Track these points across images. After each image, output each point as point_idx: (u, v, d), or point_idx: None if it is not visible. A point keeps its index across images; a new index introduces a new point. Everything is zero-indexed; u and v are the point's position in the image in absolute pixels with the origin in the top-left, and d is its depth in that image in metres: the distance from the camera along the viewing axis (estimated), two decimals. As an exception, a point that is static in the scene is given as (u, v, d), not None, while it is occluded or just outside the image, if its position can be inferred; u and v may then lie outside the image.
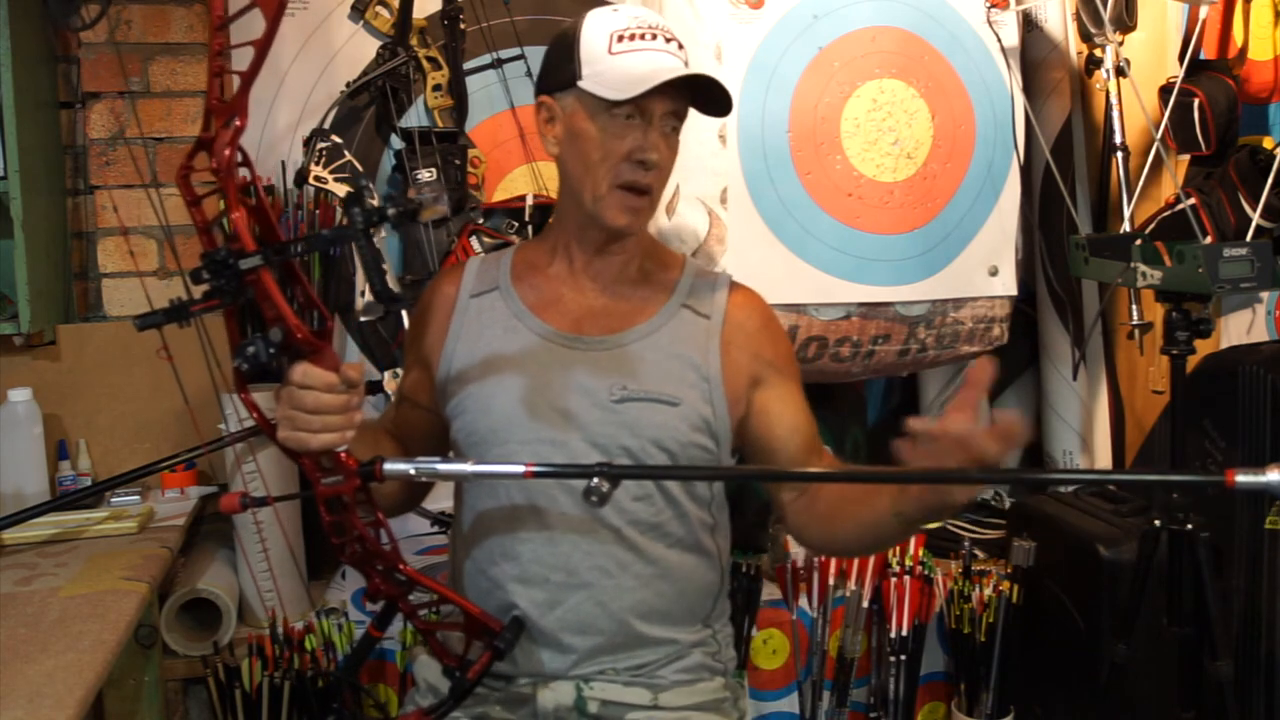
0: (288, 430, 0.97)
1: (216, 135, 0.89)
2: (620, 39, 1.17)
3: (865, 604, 1.77)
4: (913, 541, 1.81)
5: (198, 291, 0.94)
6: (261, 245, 0.89)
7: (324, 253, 1.82)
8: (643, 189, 1.18)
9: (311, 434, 0.96)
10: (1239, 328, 2.22)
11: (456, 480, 1.03)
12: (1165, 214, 1.91)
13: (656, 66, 1.16)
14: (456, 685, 1.05)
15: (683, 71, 1.17)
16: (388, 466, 0.98)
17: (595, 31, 1.19)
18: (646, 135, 1.17)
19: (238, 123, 0.88)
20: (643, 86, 1.14)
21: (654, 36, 1.18)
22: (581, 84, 1.18)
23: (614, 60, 1.16)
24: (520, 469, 0.97)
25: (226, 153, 0.88)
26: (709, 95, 1.21)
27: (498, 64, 2.09)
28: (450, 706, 1.08)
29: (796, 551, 1.81)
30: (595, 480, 0.96)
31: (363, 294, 1.80)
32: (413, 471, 0.98)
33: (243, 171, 0.92)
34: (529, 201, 2.02)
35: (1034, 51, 2.10)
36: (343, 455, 0.99)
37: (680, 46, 1.21)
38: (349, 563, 1.03)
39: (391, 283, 0.93)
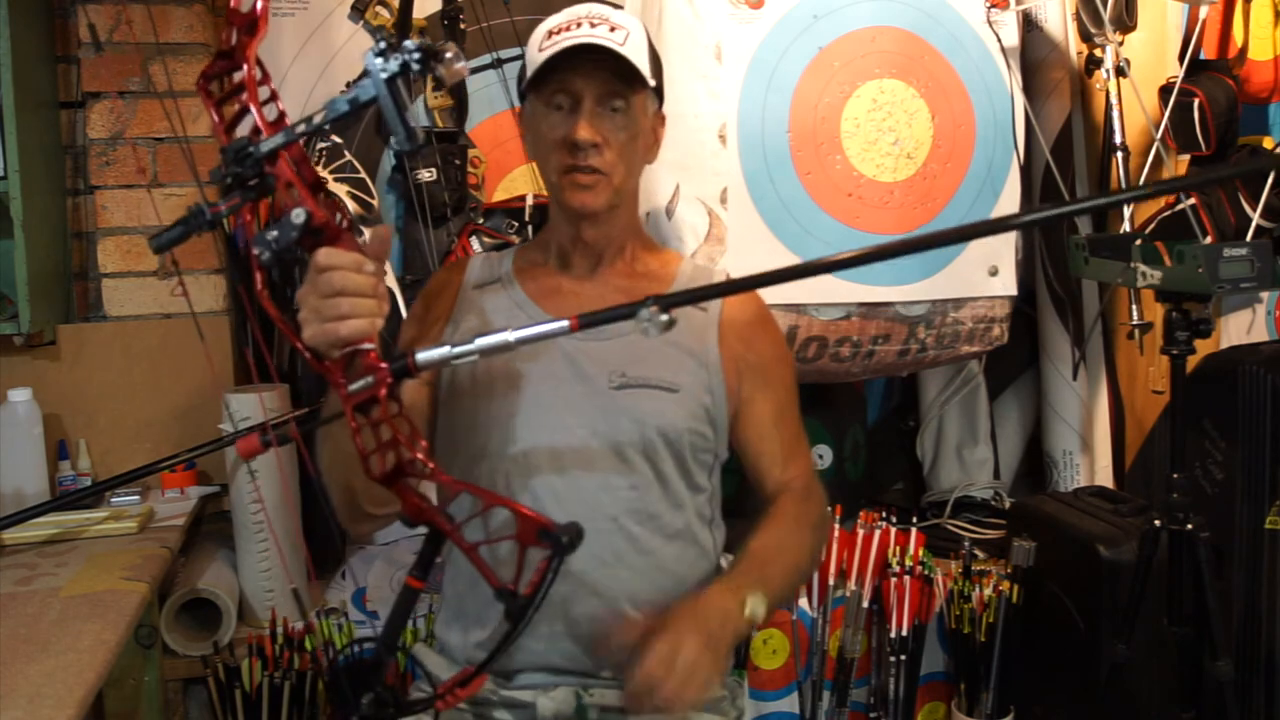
0: (315, 325, 0.90)
1: (237, 43, 0.88)
2: (550, 34, 1.20)
3: (865, 604, 1.77)
4: (913, 541, 1.81)
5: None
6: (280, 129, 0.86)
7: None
8: (585, 170, 1.20)
9: (340, 320, 0.89)
10: (1239, 328, 2.22)
11: (499, 352, 0.91)
12: (1165, 214, 1.91)
13: (563, 48, 1.17)
14: (515, 606, 0.91)
15: (566, 45, 1.16)
16: (421, 356, 0.91)
17: (535, 36, 1.23)
18: (576, 118, 1.19)
19: (260, 26, 0.86)
20: (535, 68, 1.18)
21: (579, 25, 1.19)
22: (524, 87, 1.23)
23: (539, 57, 1.19)
24: (565, 324, 0.91)
25: (246, 56, 0.87)
26: (636, 71, 1.20)
27: (498, 64, 2.10)
28: (511, 632, 0.94)
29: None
30: (651, 308, 0.89)
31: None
32: (450, 354, 0.91)
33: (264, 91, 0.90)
34: (529, 201, 2.02)
35: (1034, 51, 2.10)
36: (373, 355, 0.91)
37: (614, 29, 1.19)
38: (380, 479, 0.92)
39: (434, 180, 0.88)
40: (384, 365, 0.90)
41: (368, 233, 0.99)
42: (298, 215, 0.87)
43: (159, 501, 1.81)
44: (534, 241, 1.37)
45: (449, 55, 0.83)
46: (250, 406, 1.64)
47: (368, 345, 0.91)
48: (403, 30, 2.00)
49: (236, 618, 1.63)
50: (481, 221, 2.03)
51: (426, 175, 1.96)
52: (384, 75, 0.82)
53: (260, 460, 1.65)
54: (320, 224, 0.88)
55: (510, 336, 0.91)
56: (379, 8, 2.09)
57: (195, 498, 1.84)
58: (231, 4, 0.88)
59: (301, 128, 0.86)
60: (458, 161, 1.99)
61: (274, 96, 0.90)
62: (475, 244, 1.99)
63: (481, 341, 0.91)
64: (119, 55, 1.94)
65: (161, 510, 1.76)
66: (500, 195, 2.14)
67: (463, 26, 2.04)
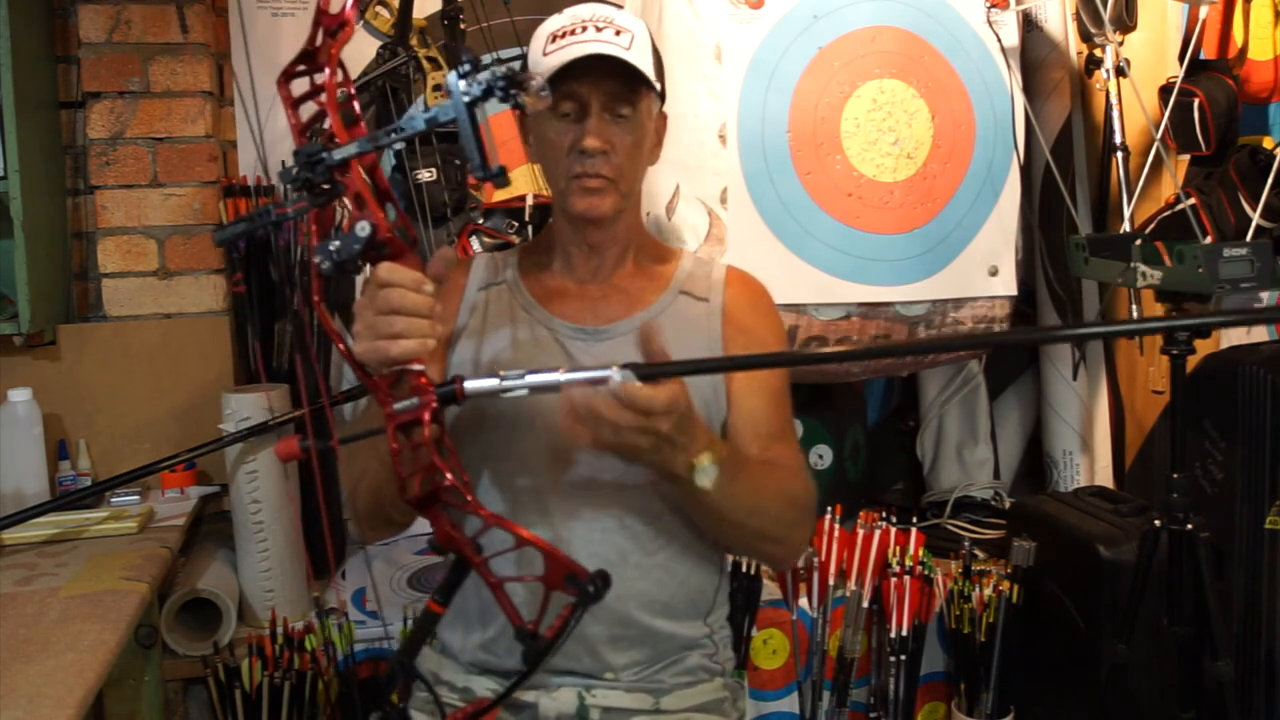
0: (368, 341, 0.91)
1: (322, 44, 0.87)
2: (554, 39, 1.19)
3: (865, 604, 1.77)
4: (913, 541, 1.81)
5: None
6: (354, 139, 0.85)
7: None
8: (593, 176, 1.19)
9: (393, 339, 0.90)
10: (1239, 328, 2.22)
11: (546, 391, 0.92)
12: (1165, 214, 1.91)
13: (574, 58, 1.15)
14: (533, 649, 0.90)
15: (573, 56, 1.15)
16: (469, 385, 0.91)
17: (537, 39, 1.21)
18: (584, 126, 1.18)
19: (347, 28, 0.86)
20: (542, 77, 1.15)
21: (584, 29, 1.18)
22: None
23: (545, 62, 1.17)
24: (613, 372, 0.92)
25: (331, 55, 0.86)
26: (643, 77, 1.19)
27: (498, 64, 2.10)
28: (526, 674, 0.94)
29: (796, 551, 1.81)
30: (624, 369, 0.90)
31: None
32: (499, 386, 0.91)
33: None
34: (529, 201, 2.02)
35: (1034, 51, 2.11)
36: (423, 379, 0.91)
37: (619, 32, 1.18)
38: (412, 503, 0.91)
39: (491, 160, 0.87)
40: (431, 389, 0.90)
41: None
42: (363, 228, 0.86)
43: (159, 501, 1.81)
44: (536, 242, 1.37)
45: (534, 83, 0.82)
46: (250, 406, 1.64)
47: (417, 366, 0.91)
48: (403, 31, 2.01)
49: (236, 618, 1.63)
50: (481, 221, 2.03)
51: (426, 175, 1.96)
52: (466, 99, 0.82)
53: (260, 460, 1.65)
54: (385, 238, 0.87)
55: (561, 377, 0.92)
56: (379, 8, 2.09)
57: (195, 498, 1.84)
58: (321, 3, 0.88)
59: (379, 139, 0.85)
60: (458, 161, 1.99)
61: (353, 99, 0.89)
62: (475, 244, 2.00)
63: (532, 378, 0.92)
64: (119, 55, 1.94)
65: (161, 510, 1.76)
66: (500, 195, 2.14)
67: (463, 26, 2.04)
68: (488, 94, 0.82)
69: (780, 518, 1.18)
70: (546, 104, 0.84)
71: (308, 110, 0.91)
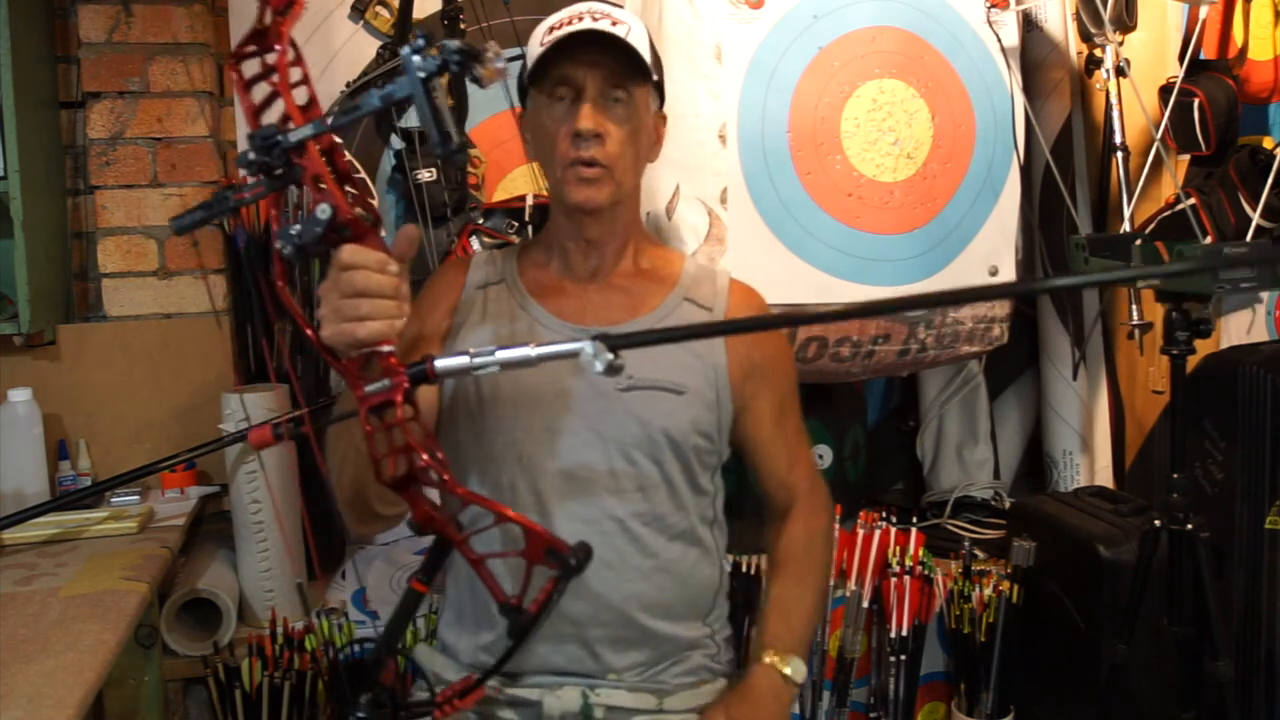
0: (334, 324, 0.90)
1: (271, 23, 0.85)
2: (550, 30, 1.20)
3: (865, 604, 1.77)
4: (913, 541, 1.81)
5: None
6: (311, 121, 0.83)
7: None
8: (589, 162, 1.19)
9: (359, 321, 0.89)
10: (1239, 328, 2.22)
11: (518, 367, 0.91)
12: (1165, 214, 1.91)
13: (566, 34, 1.17)
14: (516, 622, 0.90)
15: (566, 34, 1.16)
16: (440, 364, 0.89)
17: (535, 35, 1.23)
18: (578, 109, 1.18)
19: (296, 6, 0.84)
20: (536, 59, 1.18)
21: (580, 19, 1.19)
22: (526, 80, 1.24)
23: (541, 51, 1.19)
24: (586, 345, 0.89)
25: (281, 33, 0.85)
26: (638, 61, 1.20)
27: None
28: (513, 649, 0.95)
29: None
30: (597, 343, 0.87)
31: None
32: (469, 363, 0.90)
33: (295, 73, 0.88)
34: (529, 201, 2.02)
35: (1034, 51, 2.11)
36: (392, 359, 0.90)
37: (614, 23, 1.19)
38: (391, 485, 0.90)
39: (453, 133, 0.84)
40: (402, 370, 0.89)
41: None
42: (323, 210, 0.85)
43: (159, 501, 1.81)
44: (535, 240, 1.37)
45: (489, 55, 0.80)
46: (249, 406, 1.64)
47: (386, 348, 0.90)
48: (403, 31, 2.00)
49: (236, 618, 1.63)
50: (481, 221, 2.03)
51: (426, 175, 1.96)
52: (421, 74, 0.80)
53: (264, 457, 1.65)
54: (346, 220, 0.86)
55: (532, 352, 0.90)
56: (379, 8, 2.09)
57: (195, 498, 1.84)
58: None
59: (331, 120, 0.84)
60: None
61: (306, 80, 0.88)
62: (475, 244, 1.99)
63: (502, 354, 0.90)
64: (119, 55, 1.94)
65: (161, 510, 1.76)
66: (500, 195, 2.14)
67: (463, 26, 2.03)
68: (443, 68, 0.80)
69: (826, 571, 1.37)
70: (502, 76, 0.82)
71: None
